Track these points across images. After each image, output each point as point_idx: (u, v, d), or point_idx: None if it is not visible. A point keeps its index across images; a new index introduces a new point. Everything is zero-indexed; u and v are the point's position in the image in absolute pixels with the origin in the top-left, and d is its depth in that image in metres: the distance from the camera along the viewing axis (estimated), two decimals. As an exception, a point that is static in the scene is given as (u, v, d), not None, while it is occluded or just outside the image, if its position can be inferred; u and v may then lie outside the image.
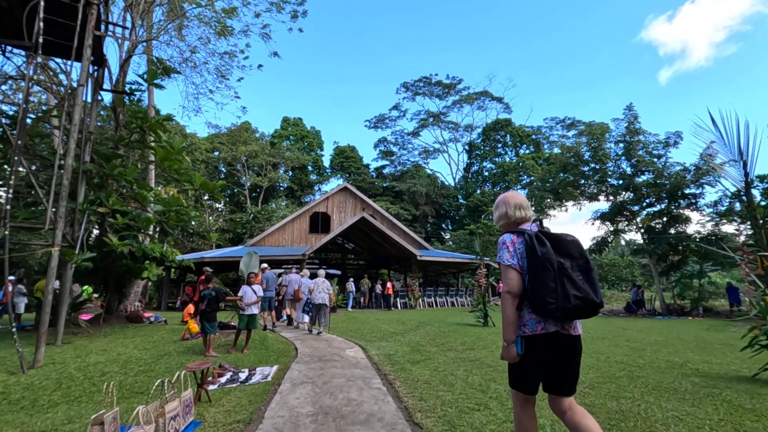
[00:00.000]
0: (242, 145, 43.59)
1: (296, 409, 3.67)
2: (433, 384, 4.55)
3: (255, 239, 23.93)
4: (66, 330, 9.38)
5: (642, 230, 20.14)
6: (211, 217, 44.16)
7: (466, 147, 58.52)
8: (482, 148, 55.57)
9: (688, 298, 18.67)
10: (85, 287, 18.34)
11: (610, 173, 20.87)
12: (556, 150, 51.11)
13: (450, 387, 4.39)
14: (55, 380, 5.29)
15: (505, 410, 3.60)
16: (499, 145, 55.71)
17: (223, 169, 48.33)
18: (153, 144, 10.71)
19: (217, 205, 51.09)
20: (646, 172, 19.29)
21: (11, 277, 13.80)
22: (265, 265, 10.52)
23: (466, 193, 53.38)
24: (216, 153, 44.71)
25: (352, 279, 19.81)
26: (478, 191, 51.53)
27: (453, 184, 58.28)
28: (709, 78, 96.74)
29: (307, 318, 10.37)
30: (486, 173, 54.74)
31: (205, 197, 48.94)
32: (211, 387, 4.85)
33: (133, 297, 15.18)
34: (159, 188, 20.01)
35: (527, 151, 54.01)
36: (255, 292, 7.25)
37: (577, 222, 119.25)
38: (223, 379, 5.21)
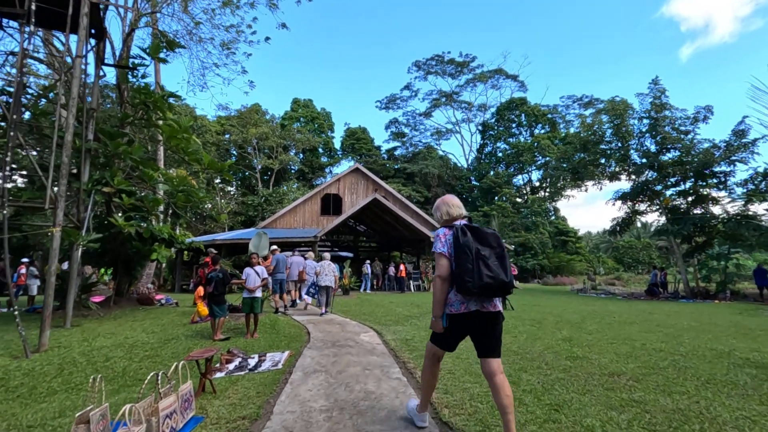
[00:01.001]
0: (252, 127, 43.16)
1: (308, 403, 3.30)
2: (458, 374, 4.15)
3: (266, 222, 23.70)
4: (76, 313, 9.24)
5: (666, 210, 19.31)
6: (223, 201, 44.22)
7: (480, 127, 57.28)
8: (496, 128, 54.28)
9: (714, 281, 17.94)
10: (103, 270, 18.36)
11: (633, 151, 19.94)
12: (573, 129, 49.77)
13: (477, 378, 3.99)
14: (57, 366, 5.03)
15: (543, 406, 3.18)
16: (514, 125, 54.33)
17: (234, 152, 48.11)
18: (159, 122, 10.35)
19: (229, 188, 51.17)
20: (672, 150, 18.35)
21: (24, 260, 13.78)
22: (275, 246, 10.19)
23: (479, 174, 52.43)
24: (227, 136, 44.36)
25: (368, 262, 19.58)
26: (492, 173, 50.51)
27: (465, 165, 57.30)
28: (733, 53, 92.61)
29: (310, 299, 10.63)
30: (500, 154, 53.57)
31: (217, 180, 49.13)
32: (218, 375, 4.54)
33: (146, 279, 15.10)
34: (171, 171, 19.80)
35: (542, 131, 52.58)
36: (258, 274, 6.89)
37: (595, 203, 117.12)
38: (231, 366, 4.90)
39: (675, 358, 4.89)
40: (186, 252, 20.38)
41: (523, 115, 53.43)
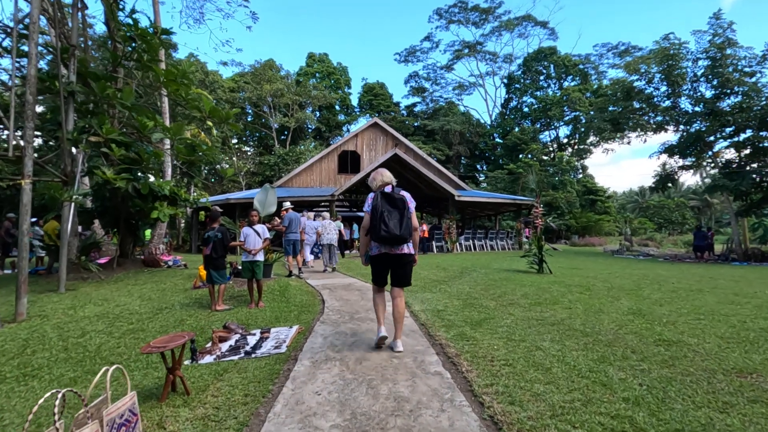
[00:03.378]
0: (267, 83, 41.41)
1: (313, 419, 2.27)
2: (518, 367, 3.07)
3: (281, 180, 22.71)
4: (75, 275, 8.56)
5: (717, 165, 17.36)
6: (240, 161, 43.46)
7: (505, 80, 53.84)
8: (522, 81, 50.86)
9: (771, 242, 16.28)
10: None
11: (684, 98, 17.76)
12: (606, 81, 46.03)
13: (547, 374, 2.91)
14: (22, 342, 4.20)
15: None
16: (542, 77, 50.78)
17: (249, 111, 46.79)
18: (153, 65, 9.12)
19: (246, 147, 50.32)
20: (733, 95, 16.14)
21: (32, 219, 13.25)
22: (288, 204, 9.16)
23: (503, 131, 49.79)
24: (242, 94, 42.85)
25: None
26: (517, 129, 47.81)
27: (489, 122, 54.51)
28: None
29: (312, 257, 10.94)
30: (525, 109, 50.54)
31: (233, 141, 48.23)
32: (206, 359, 3.59)
33: (157, 239, 14.47)
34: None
35: (573, 84, 48.98)
36: (259, 235, 5.85)
37: (620, 162, 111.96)
38: (225, 346, 3.95)
39: (803, 343, 3.69)
40: (202, 212, 19.75)
41: (552, 66, 49.73)
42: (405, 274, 3.59)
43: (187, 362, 3.50)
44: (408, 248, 3.55)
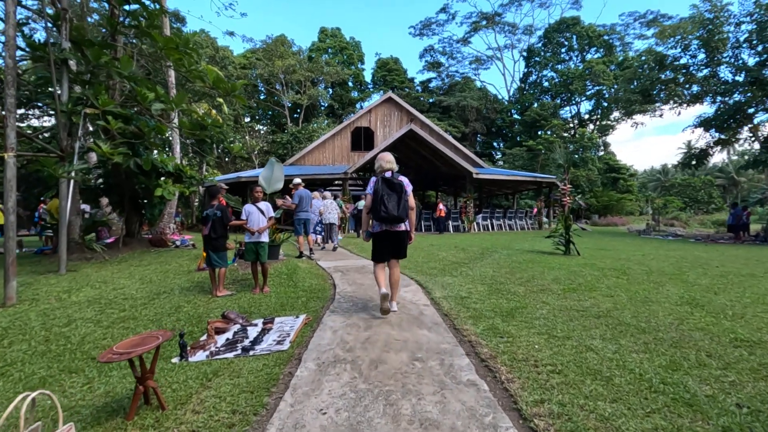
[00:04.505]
0: (279, 59, 40.42)
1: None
2: (570, 375, 2.49)
3: (294, 158, 22.15)
4: (78, 256, 8.21)
5: (759, 139, 16.13)
6: (252, 139, 43.00)
7: (524, 54, 51.67)
8: (542, 53, 48.65)
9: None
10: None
11: (724, 66, 16.39)
12: (632, 53, 43.66)
13: (609, 386, 2.32)
14: (1, 332, 3.78)
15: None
16: (563, 50, 48.48)
17: (261, 88, 46.02)
18: (151, 31, 8.49)
19: (258, 126, 49.77)
20: (780, 61, 14.79)
21: (42, 198, 13.02)
22: (298, 180, 8.59)
23: (521, 107, 48.03)
24: (253, 73, 41.99)
25: (416, 201, 18.00)
26: (536, 104, 46.01)
27: (506, 98, 52.61)
28: None
29: (316, 236, 10.91)
30: (545, 83, 48.49)
31: (246, 119, 47.69)
32: (198, 355, 3.10)
33: (167, 218, 14.15)
34: (194, 106, 18.25)
35: (596, 56, 46.63)
36: (264, 213, 5.30)
37: (642, 138, 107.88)
38: (221, 340, 3.46)
39: None
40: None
41: (574, 37, 47.33)
42: (401, 248, 4.10)
43: (175, 360, 3.02)
44: (405, 226, 4.04)
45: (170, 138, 14.33)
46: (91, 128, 10.48)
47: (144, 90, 7.86)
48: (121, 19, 8.79)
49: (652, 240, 15.24)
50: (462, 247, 10.40)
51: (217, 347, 3.28)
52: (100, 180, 9.92)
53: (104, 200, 12.21)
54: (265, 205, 5.46)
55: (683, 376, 2.45)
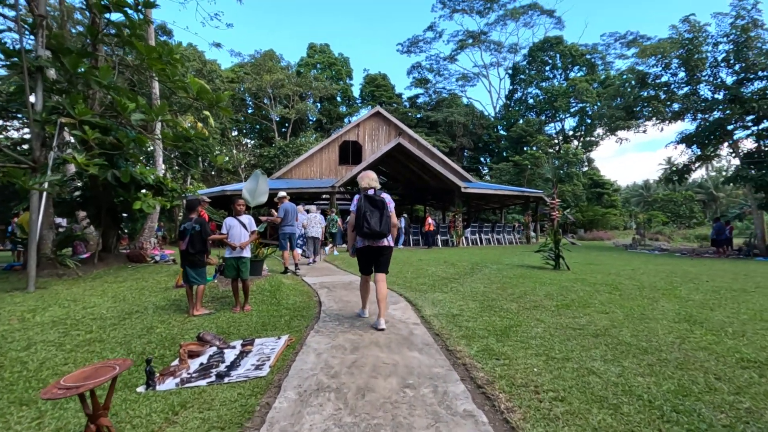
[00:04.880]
0: (267, 74, 40.43)
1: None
2: (574, 402, 2.29)
3: (280, 171, 21.89)
4: (50, 272, 7.79)
5: (740, 155, 16.46)
6: (239, 153, 42.63)
7: (509, 71, 52.67)
8: (527, 71, 49.67)
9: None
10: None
11: (703, 84, 16.81)
12: (613, 72, 44.89)
13: (617, 415, 2.13)
14: (-50, 357, 3.43)
15: None
16: (547, 68, 49.59)
17: (249, 102, 45.91)
18: (133, 40, 8.28)
19: (246, 140, 49.47)
20: (757, 81, 15.20)
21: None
22: (283, 193, 8.36)
23: (507, 123, 48.73)
24: (241, 88, 41.90)
25: (405, 215, 17.93)
26: (521, 121, 46.74)
27: (493, 114, 53.41)
28: None
29: (299, 250, 10.66)
30: (531, 100, 49.38)
31: (234, 133, 47.36)
32: (166, 383, 2.82)
33: (148, 233, 13.70)
34: (180, 119, 17.91)
35: (579, 74, 47.79)
36: (245, 227, 5.05)
37: (625, 155, 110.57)
38: (195, 364, 3.18)
39: None
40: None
41: (558, 56, 48.55)
42: (385, 262, 4.19)
43: (140, 389, 2.73)
44: (387, 242, 4.16)
45: (153, 150, 14.01)
46: (69, 139, 10.14)
47: (124, 100, 7.59)
48: (104, 29, 8.58)
49: (639, 254, 15.31)
50: (451, 262, 10.23)
51: (189, 373, 3.00)
52: (77, 192, 9.53)
53: (82, 213, 11.77)
54: (247, 219, 5.21)
55: (695, 402, 2.28)
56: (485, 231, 19.39)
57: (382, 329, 3.93)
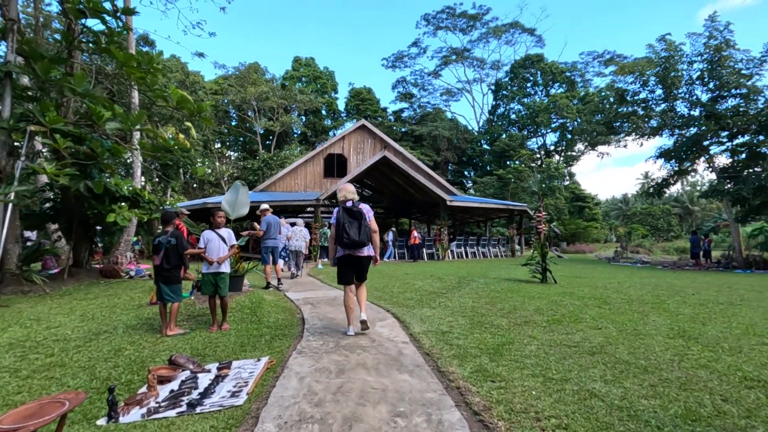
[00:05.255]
0: (251, 86, 40.22)
1: None
2: (578, 430, 2.11)
3: (264, 184, 21.54)
4: (15, 288, 7.33)
5: (716, 169, 16.90)
6: (222, 165, 42.05)
7: (492, 87, 53.66)
8: (509, 87, 50.67)
9: (772, 249, 15.79)
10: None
11: (679, 101, 17.31)
12: (592, 89, 46.20)
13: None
14: None
15: None
16: (528, 84, 50.69)
17: (233, 114, 45.53)
18: (111, 48, 8.02)
19: (229, 152, 48.89)
20: (731, 98, 15.72)
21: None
22: (266, 206, 8.10)
23: (491, 138, 49.43)
24: (225, 100, 41.54)
25: (393, 229, 17.81)
26: (504, 135, 47.49)
27: (476, 128, 54.19)
28: (750, 16, 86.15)
29: (282, 263, 10.71)
30: (513, 116, 50.31)
31: (217, 145, 46.77)
32: (132, 413, 2.54)
33: (124, 246, 13.18)
34: (161, 130, 17.47)
35: (560, 91, 49.00)
36: (225, 240, 4.79)
37: (604, 169, 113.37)
38: (163, 392, 2.90)
39: None
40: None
41: (539, 73, 49.73)
42: (364, 271, 4.40)
43: (101, 421, 2.45)
44: (368, 251, 4.31)
45: (130, 161, 13.59)
46: (41, 148, 9.71)
47: (99, 108, 7.30)
48: (80, 35, 8.29)
49: (623, 267, 15.43)
50: (438, 276, 10.06)
51: (157, 402, 2.73)
52: (48, 204, 9.09)
53: (53, 226, 11.24)
54: (226, 232, 4.95)
55: (706, 428, 2.13)
56: (470, 244, 19.36)
57: (364, 319, 4.21)
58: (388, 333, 4.36)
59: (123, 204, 8.36)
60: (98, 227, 11.06)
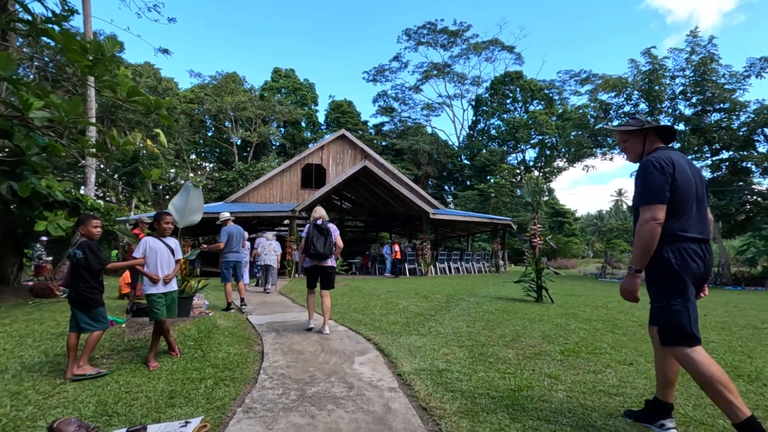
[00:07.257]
0: (228, 95, 39.00)
1: None
2: None
3: (238, 194, 20.28)
4: None
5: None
6: (196, 176, 40.42)
7: (472, 103, 54.05)
8: (489, 103, 51.09)
9: (761, 265, 15.55)
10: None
11: (663, 114, 17.20)
12: (570, 106, 46.98)
13: None
14: None
15: None
16: (508, 101, 51.25)
17: (209, 124, 44.10)
18: (49, 30, 6.89)
19: (204, 163, 47.24)
20: (714, 112, 15.65)
21: None
22: (226, 214, 7.04)
23: (471, 153, 49.51)
24: (200, 110, 40.12)
25: (389, 243, 16.88)
26: (485, 150, 47.58)
27: (457, 143, 54.26)
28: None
29: (248, 278, 10.55)
30: (493, 131, 50.63)
31: (192, 156, 45.11)
32: None
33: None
34: (129, 136, 16.19)
35: (539, 107, 49.65)
36: (173, 252, 3.76)
37: (579, 187, 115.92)
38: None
39: None
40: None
41: (518, 89, 50.36)
42: (329, 280, 5.10)
43: None
44: (331, 262, 5.05)
45: (83, 165, 12.29)
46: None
47: (28, 96, 6.15)
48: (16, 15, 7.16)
49: (612, 284, 14.86)
50: (423, 294, 9.13)
51: None
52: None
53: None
54: (174, 243, 3.91)
55: None
56: (454, 259, 18.56)
57: (327, 333, 4.84)
58: (369, 374, 3.38)
59: (60, 211, 7.13)
60: (43, 238, 9.79)
